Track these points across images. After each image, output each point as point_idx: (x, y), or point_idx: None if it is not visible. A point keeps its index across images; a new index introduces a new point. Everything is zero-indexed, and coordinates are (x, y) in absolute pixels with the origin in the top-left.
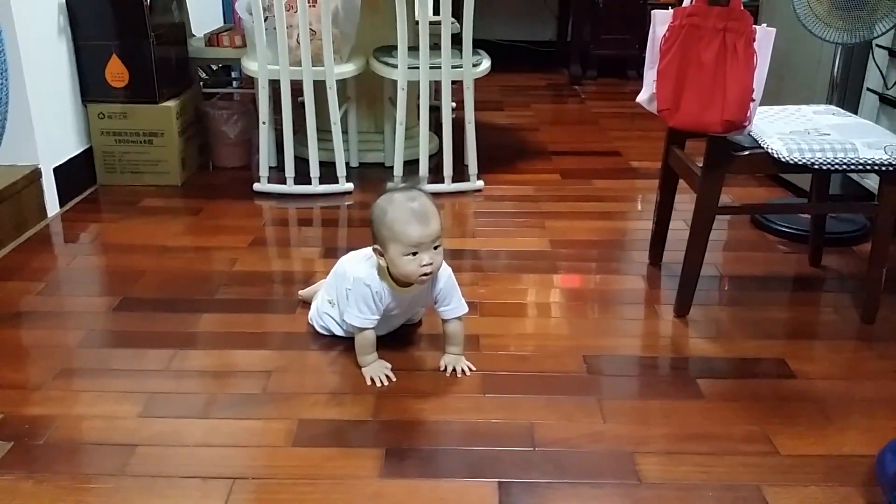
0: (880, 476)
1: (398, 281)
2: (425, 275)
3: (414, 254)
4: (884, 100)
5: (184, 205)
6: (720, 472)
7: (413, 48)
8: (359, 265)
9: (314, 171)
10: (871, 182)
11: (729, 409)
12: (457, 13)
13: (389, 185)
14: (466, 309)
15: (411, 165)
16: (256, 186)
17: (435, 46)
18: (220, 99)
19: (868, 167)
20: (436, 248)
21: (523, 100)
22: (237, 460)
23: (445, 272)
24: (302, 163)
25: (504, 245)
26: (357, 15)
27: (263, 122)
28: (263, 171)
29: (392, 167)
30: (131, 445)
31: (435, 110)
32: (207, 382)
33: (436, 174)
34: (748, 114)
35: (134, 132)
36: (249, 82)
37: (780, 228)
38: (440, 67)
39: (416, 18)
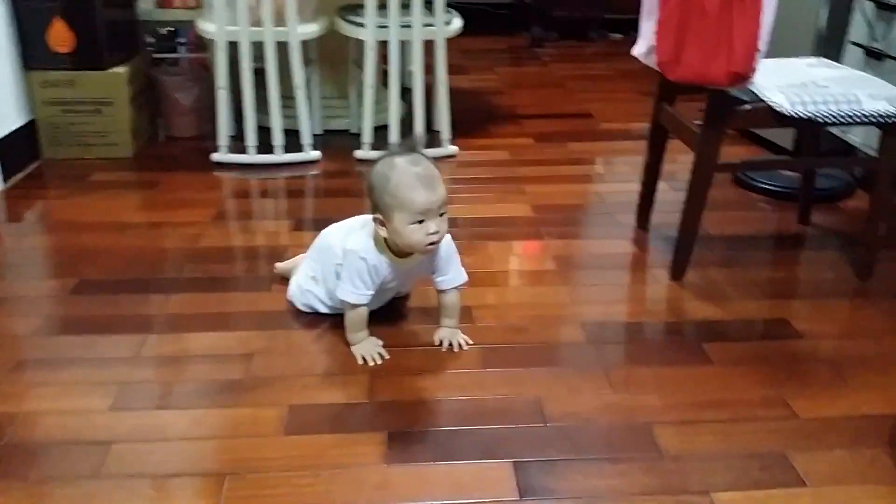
0: None
1: (397, 251)
2: (432, 244)
3: (420, 222)
4: (870, 53)
5: (138, 178)
6: (742, 439)
7: (381, 6)
8: (350, 237)
9: (277, 139)
10: (855, 137)
11: (740, 373)
12: None
13: (375, 152)
14: (466, 278)
15: (381, 132)
16: (215, 157)
17: (402, 5)
18: (171, 65)
19: (871, 119)
20: (441, 214)
21: (486, 63)
22: (227, 454)
23: (445, 239)
24: (262, 132)
25: (485, 212)
26: None
27: (222, 88)
28: (223, 141)
29: (358, 134)
30: (105, 443)
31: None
32: (184, 369)
33: (406, 139)
34: (755, 65)
35: (81, 101)
36: (200, 47)
37: (763, 186)
38: (410, 27)
39: None
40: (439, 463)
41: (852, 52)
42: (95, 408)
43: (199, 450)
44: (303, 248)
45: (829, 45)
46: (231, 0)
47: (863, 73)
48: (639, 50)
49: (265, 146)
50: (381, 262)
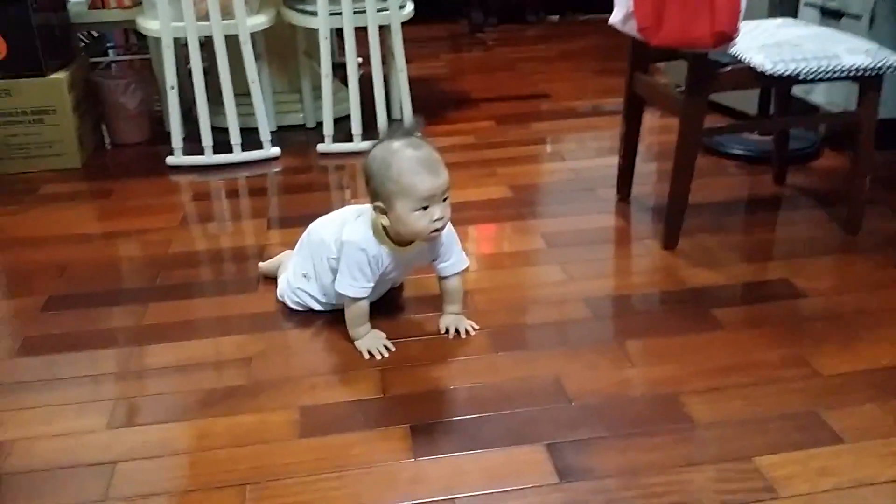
0: None
1: (397, 240)
2: (437, 230)
3: (424, 208)
4: (826, 12)
5: (90, 188)
6: (771, 401)
7: None
8: (346, 228)
9: (234, 138)
10: (818, 97)
11: (754, 336)
12: None
13: (338, 145)
14: (468, 262)
15: (338, 124)
16: (170, 160)
17: None
18: (105, 68)
19: (852, 73)
20: (445, 199)
21: (429, 51)
22: (242, 463)
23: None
24: (215, 132)
25: (464, 196)
26: None
27: (172, 87)
28: (177, 143)
29: (314, 128)
30: (109, 463)
31: (340, 67)
32: (180, 379)
33: (367, 131)
34: (739, 24)
35: (20, 111)
36: (134, 48)
37: (732, 152)
38: (363, 12)
39: None
40: (469, 452)
41: (807, 13)
42: (92, 427)
43: (212, 462)
44: (281, 246)
45: (785, 7)
46: None
47: (831, 30)
48: (615, 18)
49: (221, 146)
50: (382, 252)
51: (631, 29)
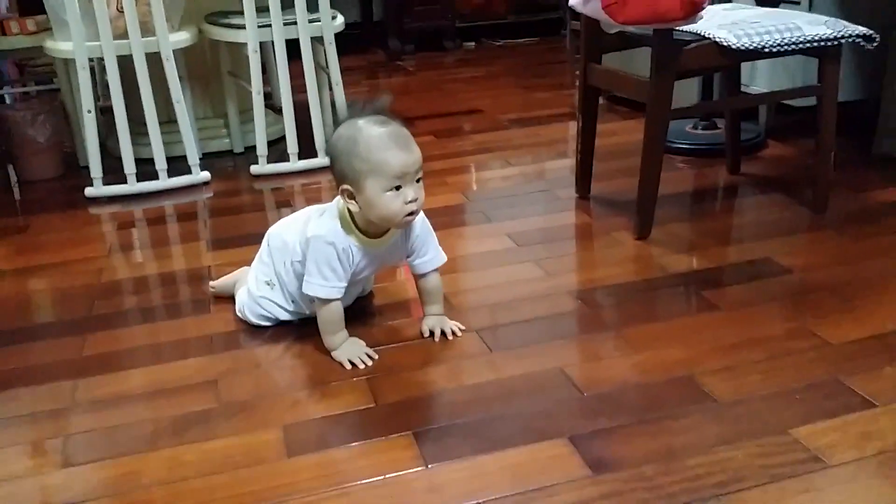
0: None
1: (367, 231)
2: (411, 213)
3: (397, 188)
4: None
5: (1, 225)
6: (790, 374)
7: (260, 9)
8: (311, 224)
9: (160, 163)
10: (758, 88)
11: (753, 313)
12: None
13: (273, 166)
14: (446, 257)
15: (272, 147)
16: (89, 191)
17: (265, 8)
18: (10, 102)
19: (815, 43)
20: (418, 180)
21: (350, 79)
22: (231, 489)
23: (419, 216)
24: (136, 163)
25: None
26: None
27: (89, 111)
28: (95, 171)
29: (241, 153)
30: None
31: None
32: (139, 408)
33: (307, 151)
34: None
35: None
36: (31, 82)
37: (678, 147)
38: (294, 24)
39: None
40: (486, 454)
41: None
42: (46, 467)
43: (196, 491)
44: (228, 266)
45: None
46: (87, 12)
47: (781, 10)
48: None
49: (144, 175)
50: (351, 245)
51: (593, 10)
